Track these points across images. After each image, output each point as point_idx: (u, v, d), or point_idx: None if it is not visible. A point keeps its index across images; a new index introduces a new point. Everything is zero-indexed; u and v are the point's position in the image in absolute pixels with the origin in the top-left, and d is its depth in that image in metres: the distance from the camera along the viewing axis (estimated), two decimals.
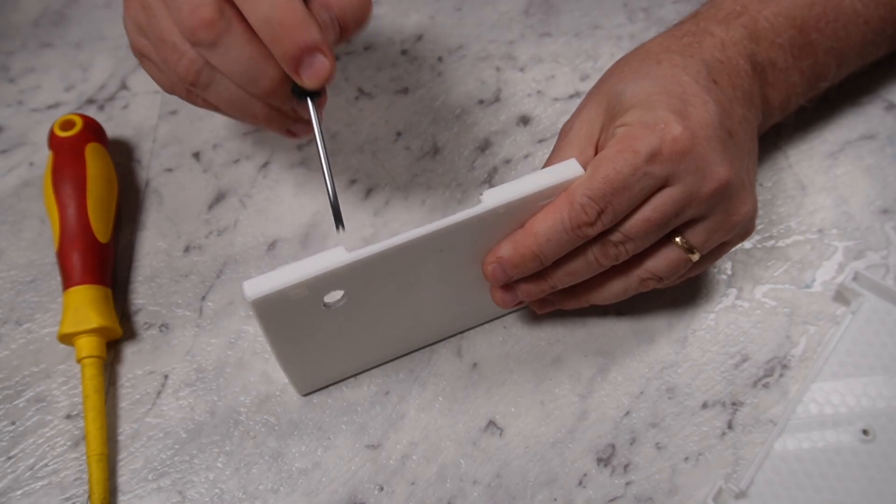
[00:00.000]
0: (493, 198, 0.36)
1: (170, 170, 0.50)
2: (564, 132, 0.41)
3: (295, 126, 0.38)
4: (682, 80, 0.39)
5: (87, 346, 0.42)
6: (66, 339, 0.42)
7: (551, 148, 0.49)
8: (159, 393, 0.43)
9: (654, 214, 0.37)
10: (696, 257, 0.39)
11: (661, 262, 0.39)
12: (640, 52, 0.42)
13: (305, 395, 0.42)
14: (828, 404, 0.40)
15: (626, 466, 0.40)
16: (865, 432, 0.39)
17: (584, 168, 0.38)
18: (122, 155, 0.50)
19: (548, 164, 0.40)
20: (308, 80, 0.34)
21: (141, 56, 0.37)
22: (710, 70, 0.40)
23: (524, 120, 0.51)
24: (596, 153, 0.39)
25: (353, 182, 0.49)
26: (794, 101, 0.45)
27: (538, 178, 0.37)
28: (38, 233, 0.48)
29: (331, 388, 0.43)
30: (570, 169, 0.37)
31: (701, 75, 0.39)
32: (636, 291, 0.40)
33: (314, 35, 0.33)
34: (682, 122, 0.37)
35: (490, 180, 0.49)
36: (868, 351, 0.41)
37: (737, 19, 0.42)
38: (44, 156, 0.49)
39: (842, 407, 0.40)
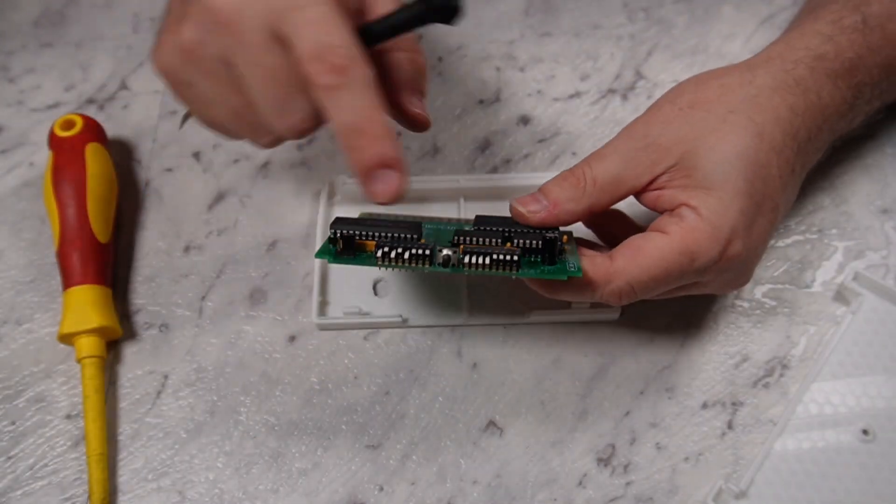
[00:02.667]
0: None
1: (170, 170, 0.50)
2: (632, 134, 0.38)
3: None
4: (771, 174, 0.37)
5: (87, 346, 0.42)
6: (66, 339, 0.42)
7: (551, 148, 0.50)
8: (159, 393, 0.43)
9: (673, 294, 0.38)
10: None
11: None
12: (748, 98, 0.38)
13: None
14: (827, 404, 0.40)
15: (626, 466, 0.40)
16: (865, 432, 0.39)
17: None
18: (122, 155, 0.50)
19: (598, 159, 0.38)
20: (377, 196, 0.32)
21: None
22: (797, 156, 0.39)
23: (524, 120, 0.51)
24: (650, 182, 0.38)
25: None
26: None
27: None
28: (38, 233, 0.48)
29: (331, 388, 0.43)
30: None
31: (788, 163, 0.38)
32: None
33: (391, 150, 0.31)
34: (745, 239, 0.36)
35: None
36: (868, 351, 0.41)
37: (847, 76, 0.40)
38: (44, 156, 0.49)
39: (842, 407, 0.40)
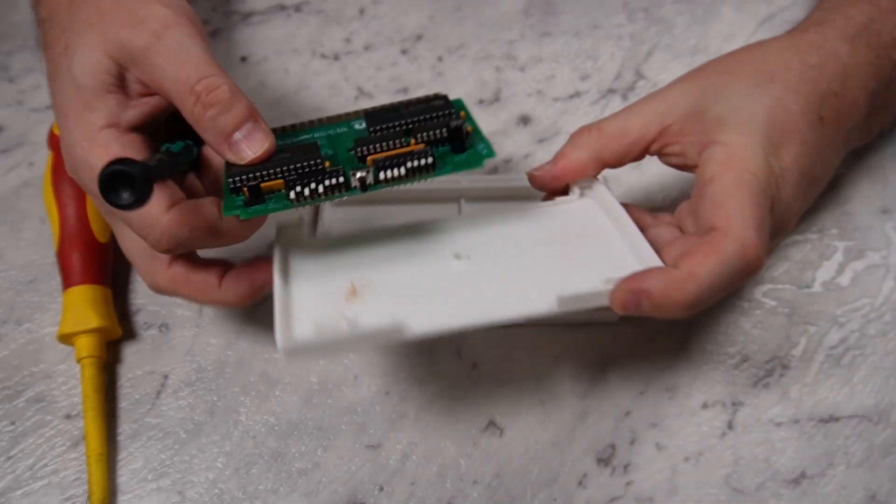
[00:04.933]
0: (568, 303, 0.34)
1: None
2: (643, 98, 0.39)
3: None
4: (791, 108, 0.37)
5: (87, 346, 0.42)
6: (66, 339, 0.42)
7: (551, 148, 0.50)
8: (159, 393, 0.43)
9: None
10: None
11: None
12: (757, 58, 0.39)
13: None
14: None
15: (626, 466, 0.40)
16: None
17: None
18: None
19: (607, 117, 0.39)
20: (250, 150, 0.35)
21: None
22: (822, 103, 0.38)
23: (524, 120, 0.51)
24: (660, 132, 0.38)
25: None
26: (887, 123, 0.44)
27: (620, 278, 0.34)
28: (38, 233, 0.48)
29: (331, 388, 0.43)
30: (650, 262, 0.35)
31: (811, 107, 0.38)
32: None
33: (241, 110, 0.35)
34: (779, 159, 0.36)
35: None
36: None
37: (862, 35, 0.40)
38: (44, 156, 0.49)
39: None
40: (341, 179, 0.33)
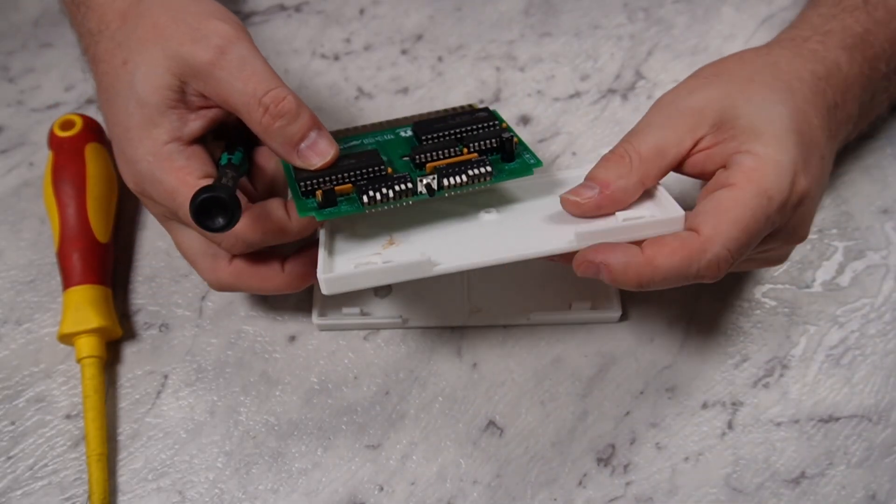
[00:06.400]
0: (586, 238, 0.35)
1: None
2: (662, 106, 0.38)
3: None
4: (812, 122, 0.37)
5: (87, 346, 0.42)
6: (66, 339, 0.42)
7: (551, 148, 0.50)
8: (159, 393, 0.43)
9: (754, 261, 0.38)
10: None
11: None
12: (769, 65, 0.39)
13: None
14: None
15: (626, 466, 0.40)
16: None
17: (674, 159, 0.37)
18: None
19: (635, 135, 0.38)
20: (318, 156, 0.38)
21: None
22: (830, 116, 0.38)
23: (524, 120, 0.51)
24: (693, 146, 0.37)
25: None
26: (857, 132, 0.44)
27: (638, 219, 0.36)
28: (38, 233, 0.48)
29: (331, 388, 0.43)
30: (672, 212, 0.36)
31: (825, 122, 0.38)
32: None
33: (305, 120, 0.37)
34: (806, 174, 0.35)
35: None
36: None
37: (858, 46, 0.40)
38: (44, 156, 0.49)
39: None
40: (409, 185, 0.36)
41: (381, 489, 0.40)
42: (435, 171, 0.37)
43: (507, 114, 0.51)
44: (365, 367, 0.43)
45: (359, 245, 0.38)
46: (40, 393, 0.43)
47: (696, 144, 0.37)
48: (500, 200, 0.40)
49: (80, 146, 0.47)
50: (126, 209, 0.48)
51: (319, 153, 0.37)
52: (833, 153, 0.40)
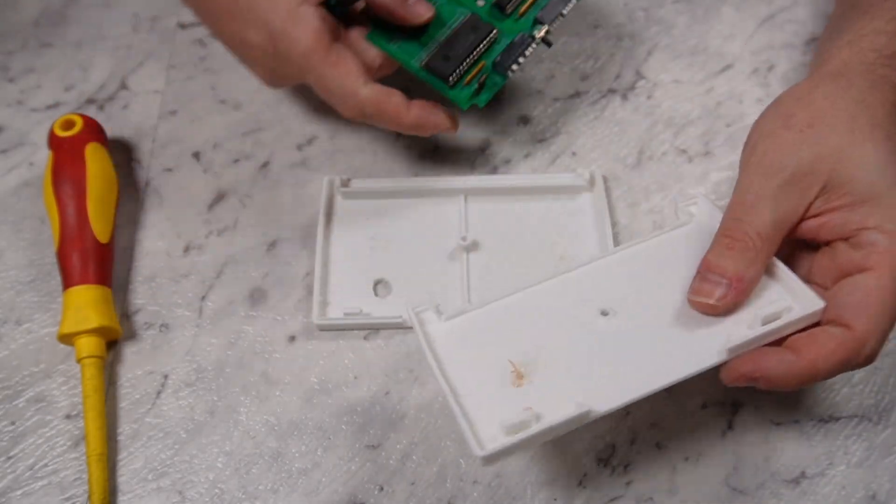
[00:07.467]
0: (737, 351, 0.34)
1: (170, 170, 0.50)
2: (768, 170, 0.36)
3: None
4: None
5: (87, 346, 0.42)
6: (66, 339, 0.42)
7: (551, 148, 0.50)
8: (159, 393, 0.43)
9: None
10: None
11: None
12: (858, 102, 0.37)
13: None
14: None
15: (626, 466, 0.40)
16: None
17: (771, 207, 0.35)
18: (122, 155, 0.50)
19: (748, 210, 0.36)
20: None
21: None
22: None
23: (524, 120, 0.51)
24: (805, 212, 0.36)
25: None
26: None
27: (780, 319, 0.35)
28: (38, 233, 0.48)
29: (331, 388, 0.43)
30: (810, 304, 0.35)
31: None
32: None
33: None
34: None
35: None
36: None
37: None
38: (44, 156, 0.49)
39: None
40: (527, 38, 0.44)
41: (381, 489, 0.40)
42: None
43: (507, 114, 0.51)
44: (365, 367, 0.43)
45: (485, 390, 0.34)
46: (40, 393, 0.43)
47: (807, 210, 0.36)
48: (610, 293, 0.37)
49: (80, 146, 0.47)
50: (126, 209, 0.48)
51: (421, 8, 0.43)
52: None
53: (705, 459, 0.40)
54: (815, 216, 0.36)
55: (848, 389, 0.42)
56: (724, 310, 0.35)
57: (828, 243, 0.36)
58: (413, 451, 0.41)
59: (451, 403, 0.34)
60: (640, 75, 0.52)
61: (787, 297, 0.35)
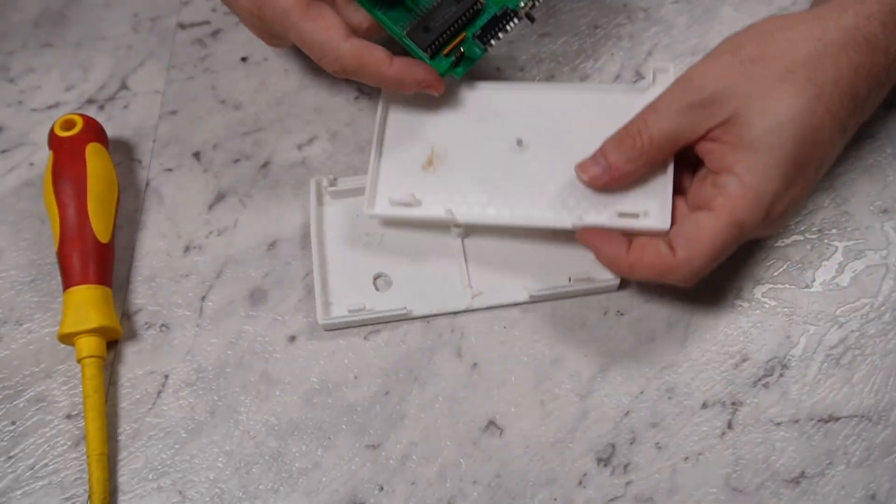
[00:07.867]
0: (581, 225, 0.41)
1: (170, 170, 0.50)
2: (688, 87, 0.39)
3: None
4: (823, 136, 0.37)
5: (88, 345, 0.42)
6: (67, 339, 0.42)
7: None
8: (159, 393, 0.43)
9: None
10: None
11: None
12: (813, 57, 0.38)
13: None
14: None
15: (626, 466, 0.40)
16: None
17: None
18: (122, 155, 0.50)
19: (653, 113, 0.39)
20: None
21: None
22: (855, 111, 0.38)
23: None
24: (705, 134, 0.38)
25: None
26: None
27: (631, 219, 0.41)
28: (38, 233, 0.48)
29: (331, 388, 0.43)
30: (660, 223, 0.40)
31: (841, 124, 0.38)
32: None
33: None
34: (786, 200, 0.38)
35: None
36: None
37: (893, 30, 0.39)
38: (44, 156, 0.49)
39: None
40: (510, 12, 0.43)
41: (381, 489, 0.40)
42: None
43: None
44: (365, 367, 0.43)
45: (402, 163, 0.44)
46: (41, 393, 0.43)
47: (707, 132, 0.38)
48: (533, 126, 0.43)
49: (81, 146, 0.47)
50: (126, 209, 0.48)
51: None
52: (845, 143, 0.40)
53: (705, 459, 0.40)
54: (710, 140, 0.38)
55: (848, 389, 0.42)
56: (595, 186, 0.41)
57: (703, 165, 0.40)
58: (413, 451, 0.41)
59: (372, 156, 0.44)
60: (639, 75, 0.52)
61: (649, 206, 0.41)
